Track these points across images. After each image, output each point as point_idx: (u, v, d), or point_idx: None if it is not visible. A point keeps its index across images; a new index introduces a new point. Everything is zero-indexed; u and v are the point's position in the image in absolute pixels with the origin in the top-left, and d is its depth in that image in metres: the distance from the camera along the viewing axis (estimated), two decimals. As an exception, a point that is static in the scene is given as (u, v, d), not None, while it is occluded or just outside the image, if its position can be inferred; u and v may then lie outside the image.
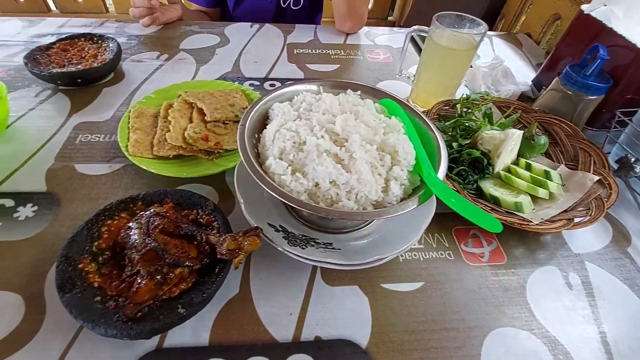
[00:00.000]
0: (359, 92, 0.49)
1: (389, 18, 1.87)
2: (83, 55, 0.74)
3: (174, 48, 0.84)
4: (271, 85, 0.74)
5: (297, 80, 0.76)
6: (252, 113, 0.44)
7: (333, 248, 0.42)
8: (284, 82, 0.75)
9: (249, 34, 0.91)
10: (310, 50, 0.86)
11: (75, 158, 0.57)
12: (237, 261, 0.37)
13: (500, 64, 0.74)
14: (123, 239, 0.41)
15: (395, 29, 0.97)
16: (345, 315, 0.42)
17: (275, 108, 0.46)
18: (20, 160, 0.57)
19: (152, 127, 0.60)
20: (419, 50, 0.89)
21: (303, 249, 0.40)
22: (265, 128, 0.45)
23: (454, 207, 0.35)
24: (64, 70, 0.69)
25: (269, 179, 0.37)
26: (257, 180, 0.37)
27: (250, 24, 0.95)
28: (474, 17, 0.62)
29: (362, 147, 0.39)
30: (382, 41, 0.92)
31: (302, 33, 0.92)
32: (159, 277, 0.37)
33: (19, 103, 0.67)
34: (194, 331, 0.39)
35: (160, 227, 0.40)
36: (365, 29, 0.95)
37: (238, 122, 0.61)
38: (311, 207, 0.35)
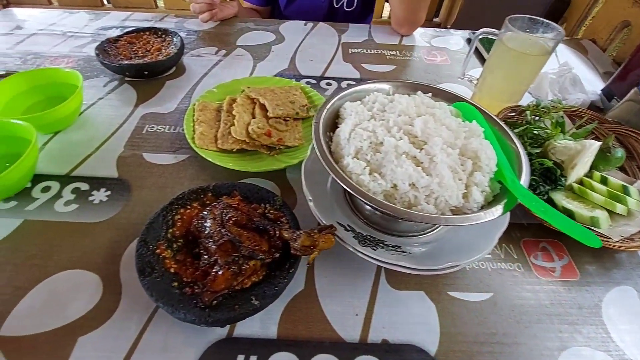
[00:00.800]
0: (430, 94, 0.48)
1: (435, 20, 1.83)
2: (148, 49, 0.77)
3: (231, 44, 0.86)
4: (327, 84, 0.74)
5: (364, 80, 0.76)
6: (325, 111, 0.44)
7: (403, 251, 0.41)
8: (340, 81, 0.75)
9: (303, 32, 0.91)
10: (365, 50, 0.85)
11: (143, 147, 0.60)
12: (311, 258, 0.38)
13: (568, 71, 0.71)
14: (196, 228, 0.42)
15: (451, 30, 0.95)
16: (412, 320, 0.41)
17: (347, 107, 0.46)
18: (93, 146, 0.60)
19: (215, 120, 0.62)
20: (477, 53, 0.87)
21: (374, 250, 0.40)
22: (337, 127, 0.45)
23: (547, 219, 0.34)
24: (133, 62, 0.71)
25: (348, 178, 0.37)
26: (336, 179, 0.37)
27: (304, 22, 0.96)
28: (549, 21, 0.59)
29: (444, 150, 0.38)
30: (439, 43, 0.90)
31: (356, 32, 0.92)
32: (234, 267, 0.37)
33: (89, 92, 0.70)
34: (262, 323, 0.40)
35: (233, 219, 0.41)
36: (420, 30, 0.94)
37: (298, 119, 0.62)
38: (404, 213, 0.34)
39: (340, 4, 1.05)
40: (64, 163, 0.57)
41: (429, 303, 0.43)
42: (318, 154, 0.39)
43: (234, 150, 0.56)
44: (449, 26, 1.28)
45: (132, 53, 0.76)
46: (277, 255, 0.40)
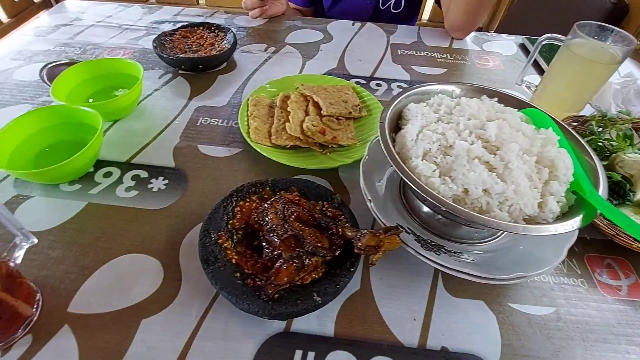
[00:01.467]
0: (495, 99, 0.47)
1: (476, 25, 1.79)
2: (202, 43, 0.79)
3: (280, 42, 0.87)
4: (377, 84, 0.74)
5: (415, 82, 0.75)
6: (389, 111, 0.44)
7: (466, 258, 0.40)
8: (390, 82, 0.75)
9: (351, 32, 0.91)
10: (414, 52, 0.84)
11: (198, 139, 0.61)
12: (376, 258, 0.37)
13: (633, 82, 0.68)
14: (256, 221, 0.42)
15: (503, 35, 0.92)
16: (471, 329, 0.40)
17: (412, 108, 0.45)
18: (150, 136, 0.61)
19: (268, 116, 0.62)
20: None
21: (437, 254, 0.39)
22: (400, 128, 0.44)
23: (634, 233, 0.32)
24: (190, 56, 0.73)
25: (417, 180, 0.36)
26: (406, 180, 0.36)
27: (351, 22, 0.96)
28: (619, 29, 0.57)
29: (519, 157, 0.37)
30: (491, 47, 0.88)
31: (405, 34, 0.91)
32: (297, 262, 0.37)
33: (145, 83, 0.72)
34: (319, 320, 0.40)
35: (295, 215, 0.41)
36: (471, 34, 0.92)
37: (351, 118, 0.62)
38: (484, 220, 0.33)
39: (386, 5, 1.04)
40: (123, 150, 0.58)
41: (489, 313, 0.41)
42: (386, 154, 0.39)
43: (288, 146, 0.57)
44: (491, 31, 1.25)
45: (186, 47, 0.78)
46: (338, 253, 0.40)
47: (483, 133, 0.39)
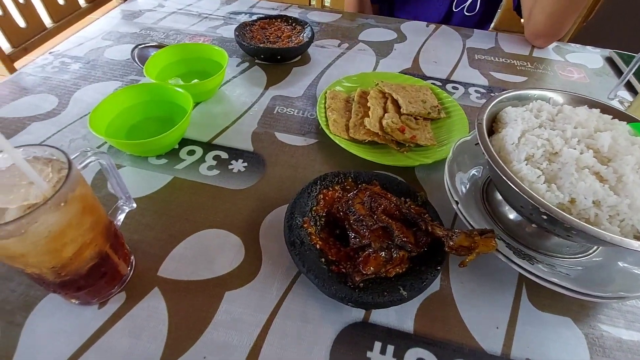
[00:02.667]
0: (598, 110, 0.44)
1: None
2: (279, 35, 0.81)
3: (353, 38, 0.87)
4: (454, 87, 0.72)
5: (494, 88, 0.73)
6: (486, 113, 0.43)
7: (560, 271, 0.38)
8: (468, 86, 0.73)
9: (425, 33, 0.90)
10: (492, 58, 0.82)
11: (275, 126, 0.63)
12: (468, 259, 0.36)
13: None
14: (339, 211, 0.43)
15: (589, 47, 0.87)
16: (559, 346, 0.38)
17: (509, 112, 0.44)
18: (230, 119, 0.64)
19: (345, 110, 0.63)
20: (618, 72, 0.79)
21: (531, 264, 0.38)
22: (493, 132, 0.43)
23: None
24: (269, 46, 0.75)
25: (522, 184, 0.35)
26: (510, 184, 0.35)
27: (425, 23, 0.94)
28: None
29: (635, 171, 0.35)
30: (575, 59, 0.83)
31: (482, 39, 0.88)
32: (386, 254, 0.37)
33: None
34: (397, 315, 0.40)
35: (382, 207, 0.41)
36: (553, 44, 0.88)
37: (429, 119, 0.61)
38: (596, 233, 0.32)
39: (460, 7, 1.02)
40: (205, 131, 0.61)
41: (577, 332, 0.39)
42: (487, 155, 0.38)
43: (365, 141, 0.57)
44: (566, 41, 1.19)
45: (264, 38, 0.80)
46: (424, 250, 0.39)
47: (593, 143, 0.37)
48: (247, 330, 0.38)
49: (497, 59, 0.81)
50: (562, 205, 0.35)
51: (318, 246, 0.41)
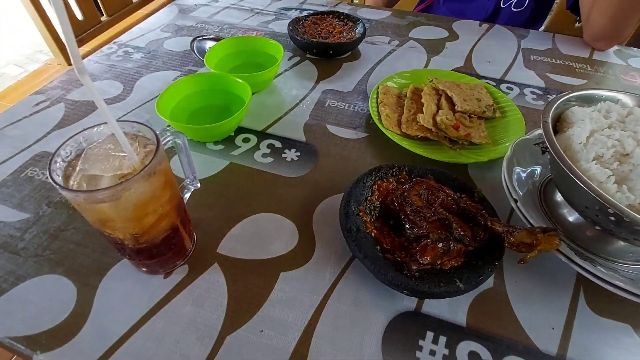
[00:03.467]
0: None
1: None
2: (331, 30, 0.82)
3: (403, 36, 0.87)
4: (508, 87, 0.71)
5: (551, 90, 0.71)
6: (552, 111, 0.42)
7: (623, 276, 0.37)
8: (523, 87, 0.71)
9: (478, 32, 0.88)
10: (549, 59, 0.79)
11: (326, 119, 0.64)
12: (530, 256, 0.36)
13: None
14: (393, 202, 0.43)
15: (655, 51, 0.83)
16: (618, 353, 0.37)
17: (577, 112, 0.43)
18: (282, 110, 0.66)
19: (397, 105, 0.63)
20: (688, 80, 0.74)
21: (594, 266, 0.37)
22: (557, 132, 0.42)
23: None
24: (322, 41, 0.77)
25: (591, 183, 0.34)
26: (579, 182, 0.34)
27: (478, 22, 0.93)
28: None
29: None
30: (638, 63, 0.79)
31: (538, 39, 0.86)
32: (444, 245, 0.38)
33: (276, 63, 0.78)
34: (450, 307, 0.40)
35: (439, 200, 0.41)
36: (614, 47, 0.84)
37: (484, 118, 0.61)
38: None
39: (507, 3, 0.99)
40: (259, 120, 0.64)
41: (638, 340, 0.38)
42: (553, 153, 0.37)
43: (417, 137, 0.57)
44: (627, 44, 1.12)
45: (316, 33, 0.82)
46: (481, 245, 0.39)
47: (671, 145, 0.36)
48: (302, 309, 0.39)
49: (554, 61, 0.79)
50: (633, 207, 0.34)
51: (373, 234, 0.42)
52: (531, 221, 0.40)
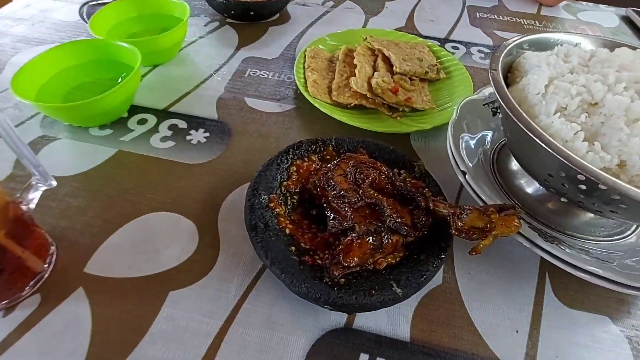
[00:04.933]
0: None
1: None
2: (253, -9, 0.70)
3: (339, -4, 0.77)
4: (454, 47, 0.62)
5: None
6: (501, 58, 0.34)
7: (599, 258, 0.30)
8: (470, 46, 0.63)
9: (420, -9, 0.80)
10: (496, 16, 0.72)
11: (245, 91, 0.53)
12: (483, 245, 0.28)
13: None
14: (316, 186, 0.34)
15: (602, 5, 0.78)
16: (595, 353, 0.30)
17: (530, 57, 0.34)
18: (192, 84, 0.54)
19: (328, 71, 0.53)
20: (638, 32, 0.70)
21: (561, 248, 0.29)
22: (516, 82, 0.34)
23: None
24: (240, 0, 0.64)
25: (555, 143, 0.26)
26: (539, 142, 0.26)
27: (420, -19, 0.84)
28: None
29: None
30: (587, 17, 0.74)
31: (483, -3, 0.78)
32: (375, 239, 0.28)
33: (189, 30, 0.64)
34: (390, 318, 0.31)
35: (370, 180, 0.32)
36: (563, 1, 0.78)
37: (427, 80, 0.52)
38: None
39: None
40: (161, 97, 0.51)
41: (617, 333, 0.31)
42: (505, 108, 0.29)
43: (351, 105, 0.47)
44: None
45: (236, -6, 0.69)
46: (423, 233, 0.31)
47: (647, 89, 0.28)
48: (194, 343, 0.29)
49: (501, 17, 0.72)
50: (609, 170, 0.26)
51: (288, 231, 0.32)
52: (484, 197, 0.32)
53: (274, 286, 0.32)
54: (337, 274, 0.27)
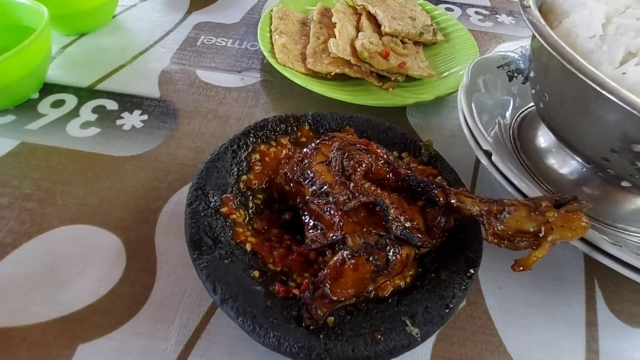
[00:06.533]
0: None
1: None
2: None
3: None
4: (447, 9, 0.53)
5: (496, 8, 0.55)
6: (535, -5, 0.24)
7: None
8: (465, 7, 0.55)
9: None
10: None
11: (198, 62, 0.42)
12: (536, 258, 0.19)
13: None
14: (290, 180, 0.24)
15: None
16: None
17: (572, -8, 0.25)
18: (128, 56, 0.43)
19: (300, 34, 0.43)
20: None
21: (616, 244, 0.21)
22: (554, 26, 0.25)
23: None
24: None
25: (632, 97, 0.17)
26: (619, 102, 0.17)
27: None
28: None
29: None
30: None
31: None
32: (376, 257, 0.19)
33: (129, -7, 0.53)
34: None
35: (364, 168, 0.22)
36: None
37: (421, 43, 0.43)
38: None
39: None
40: (87, 73, 0.40)
41: (694, 359, 0.23)
42: (557, 56, 0.20)
43: (331, 74, 0.37)
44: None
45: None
46: (442, 240, 0.22)
47: None
48: None
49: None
50: None
51: (248, 247, 0.22)
52: (518, 185, 0.23)
53: (234, 328, 0.23)
54: (321, 314, 0.18)
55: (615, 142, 0.21)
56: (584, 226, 0.18)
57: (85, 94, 0.38)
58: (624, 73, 0.19)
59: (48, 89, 0.38)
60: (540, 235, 0.18)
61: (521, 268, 0.19)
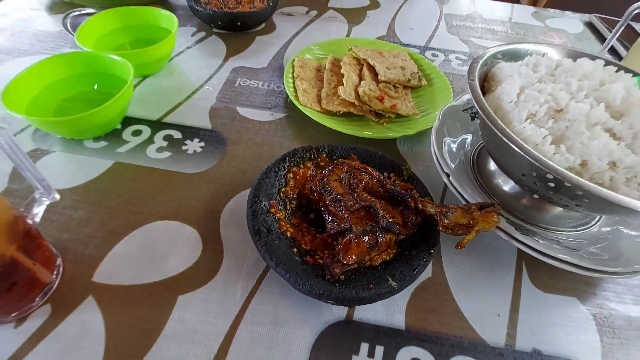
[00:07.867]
0: (602, 61, 0.39)
1: None
2: (239, 1, 0.72)
3: (322, 5, 0.79)
4: (433, 55, 0.66)
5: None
6: (478, 68, 0.37)
7: (567, 247, 0.34)
8: (448, 53, 0.67)
9: (399, 0, 0.83)
10: (471, 24, 0.76)
11: (237, 100, 0.55)
12: (466, 240, 0.31)
13: None
14: (312, 191, 0.36)
15: (568, 13, 0.84)
16: (566, 330, 0.33)
17: (503, 68, 0.38)
18: (184, 94, 0.55)
19: (316, 80, 0.55)
20: (601, 38, 0.76)
21: (535, 239, 0.32)
22: (491, 90, 0.37)
23: None
24: (226, 11, 0.66)
25: (527, 147, 0.29)
26: (513, 147, 0.29)
27: (398, -10, 0.88)
28: None
29: (654, 126, 0.30)
30: (555, 24, 0.79)
31: (458, 4, 0.83)
32: (370, 238, 0.31)
33: (177, 41, 0.66)
34: (386, 309, 0.34)
35: (363, 184, 0.35)
36: (530, 9, 0.83)
37: (409, 87, 0.55)
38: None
39: None
40: (154, 108, 0.52)
41: (585, 313, 0.35)
42: (483, 116, 0.32)
43: (340, 113, 0.50)
44: (543, 6, 1.14)
45: (222, 3, 0.71)
46: (413, 231, 0.34)
47: (603, 96, 0.32)
48: (206, 342, 0.31)
49: (476, 25, 0.76)
50: (573, 169, 0.30)
51: (289, 234, 0.34)
52: (465, 196, 0.35)
53: (278, 286, 0.34)
54: (337, 271, 0.30)
55: (523, 170, 0.32)
56: (496, 220, 0.30)
57: (156, 125, 0.50)
58: (524, 128, 0.32)
59: (127, 121, 0.50)
60: (470, 226, 0.30)
61: (459, 247, 0.31)
